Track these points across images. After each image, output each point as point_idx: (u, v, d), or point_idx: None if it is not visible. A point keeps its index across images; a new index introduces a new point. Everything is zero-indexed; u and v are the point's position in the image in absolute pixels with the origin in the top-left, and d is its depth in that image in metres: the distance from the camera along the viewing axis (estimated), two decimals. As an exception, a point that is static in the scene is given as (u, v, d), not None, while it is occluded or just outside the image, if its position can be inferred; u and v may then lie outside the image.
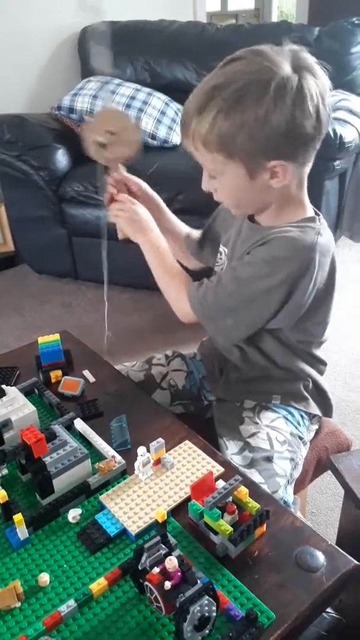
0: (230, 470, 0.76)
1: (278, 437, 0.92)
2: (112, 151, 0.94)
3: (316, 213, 0.89)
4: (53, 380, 0.97)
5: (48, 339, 0.99)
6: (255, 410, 0.97)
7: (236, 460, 0.87)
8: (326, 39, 2.30)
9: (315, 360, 0.99)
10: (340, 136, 1.82)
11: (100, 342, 1.16)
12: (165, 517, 0.61)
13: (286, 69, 0.75)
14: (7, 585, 0.60)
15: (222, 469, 0.76)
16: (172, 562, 0.55)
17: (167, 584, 0.54)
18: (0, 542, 0.68)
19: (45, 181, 2.22)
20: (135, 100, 2.37)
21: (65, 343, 1.01)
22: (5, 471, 0.76)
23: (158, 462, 0.75)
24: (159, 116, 2.37)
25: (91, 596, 0.59)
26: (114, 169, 0.98)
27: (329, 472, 0.96)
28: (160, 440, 0.75)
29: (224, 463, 0.78)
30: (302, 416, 0.99)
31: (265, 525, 0.66)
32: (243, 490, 0.67)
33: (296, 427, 0.97)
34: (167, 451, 0.77)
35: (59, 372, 0.97)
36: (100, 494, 0.72)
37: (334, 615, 0.84)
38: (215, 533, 0.65)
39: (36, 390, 0.94)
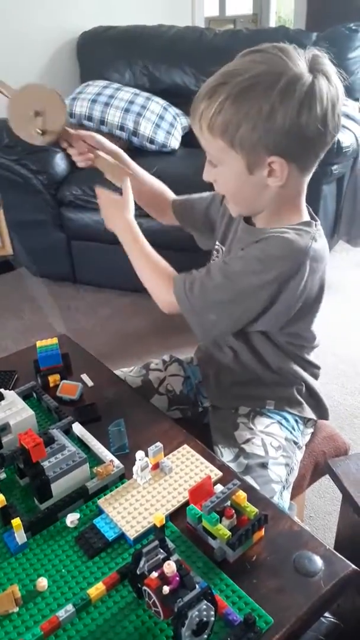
0: (228, 475, 0.76)
1: (272, 442, 0.92)
2: (48, 130, 0.93)
3: (314, 219, 0.89)
4: (51, 384, 0.97)
5: (46, 342, 0.99)
6: (249, 416, 0.97)
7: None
8: (324, 45, 2.31)
9: (308, 364, 0.99)
10: (338, 141, 1.83)
11: (99, 345, 1.16)
12: (164, 522, 0.61)
13: (302, 67, 0.76)
14: (5, 590, 0.60)
15: (220, 473, 0.76)
16: (170, 567, 0.55)
17: (166, 589, 0.54)
18: (-2, 546, 0.68)
19: (44, 185, 2.22)
20: (134, 104, 2.37)
21: (63, 347, 1.01)
22: (3, 475, 0.76)
23: (156, 466, 0.75)
24: (157, 120, 2.38)
25: (89, 601, 0.59)
26: (61, 141, 0.98)
27: (327, 476, 0.96)
28: (159, 444, 0.75)
29: (222, 467, 0.78)
30: (296, 420, 0.99)
31: (263, 529, 0.66)
32: (241, 495, 0.67)
33: (291, 432, 0.97)
34: (165, 455, 0.77)
35: (57, 376, 0.97)
36: (99, 498, 0.72)
37: (332, 619, 0.84)
38: (214, 537, 0.65)
39: (34, 394, 0.94)
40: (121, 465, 0.76)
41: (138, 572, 0.57)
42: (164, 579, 0.55)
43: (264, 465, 0.88)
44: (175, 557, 0.58)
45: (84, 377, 0.99)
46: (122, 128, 2.36)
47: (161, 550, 0.59)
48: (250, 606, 0.59)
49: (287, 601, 0.60)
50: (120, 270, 2.29)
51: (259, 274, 0.81)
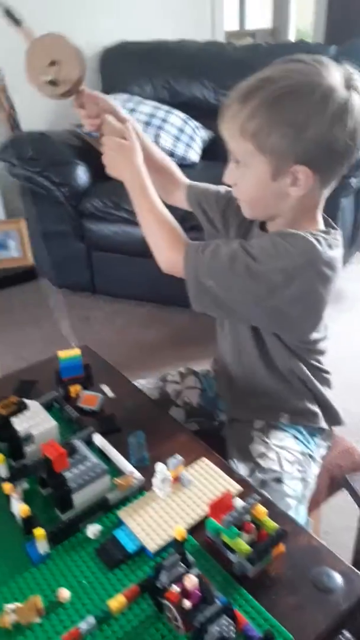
0: (247, 489, 0.76)
1: (288, 457, 0.92)
2: (60, 81, 0.90)
3: (333, 228, 0.89)
4: (72, 395, 0.98)
5: (69, 353, 1.00)
6: (264, 429, 0.97)
7: None
8: (343, 58, 2.32)
9: (317, 370, 0.98)
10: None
11: (116, 355, 1.16)
12: (185, 536, 0.61)
13: (337, 81, 0.77)
14: (28, 600, 0.61)
15: (240, 488, 0.76)
16: (191, 581, 0.55)
17: (187, 603, 0.54)
18: (19, 556, 0.69)
19: (66, 197, 2.26)
20: (155, 117, 2.41)
21: (84, 357, 1.02)
22: (26, 485, 0.77)
23: (176, 479, 0.76)
24: (177, 133, 2.41)
25: (110, 613, 0.60)
26: (75, 97, 0.95)
27: (343, 490, 0.95)
28: (179, 457, 0.76)
29: (241, 481, 0.78)
30: (311, 434, 0.99)
31: (282, 545, 0.67)
32: (261, 509, 0.67)
33: (306, 446, 0.97)
34: (184, 468, 0.77)
35: (78, 387, 0.98)
36: (118, 510, 0.73)
37: (351, 637, 0.83)
38: (233, 551, 0.65)
39: (55, 404, 0.95)
40: (142, 478, 0.76)
41: (159, 586, 0.58)
42: (184, 593, 0.56)
43: (279, 480, 0.88)
44: (195, 571, 0.59)
45: (104, 387, 1.00)
46: (142, 141, 2.39)
47: (181, 564, 0.59)
48: (269, 622, 0.59)
49: (306, 618, 0.60)
50: (138, 280, 2.33)
51: (267, 259, 0.80)
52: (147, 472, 0.77)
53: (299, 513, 0.87)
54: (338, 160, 0.81)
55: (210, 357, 1.17)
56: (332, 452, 1.04)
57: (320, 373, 0.99)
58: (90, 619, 0.59)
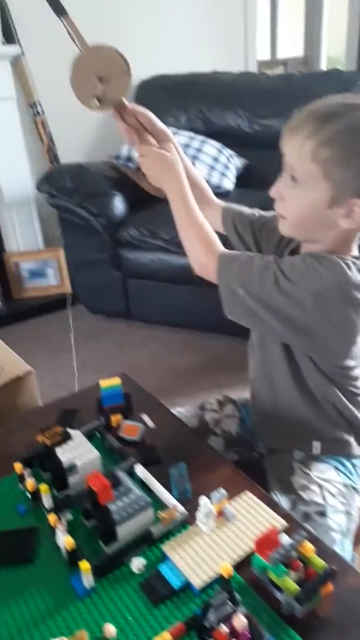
0: (292, 524, 0.75)
1: (331, 489, 0.90)
2: (107, 99, 0.90)
3: None
4: (113, 424, 0.98)
5: (110, 382, 1.01)
6: (305, 461, 0.95)
7: None
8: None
9: (354, 395, 0.95)
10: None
11: (151, 381, 1.15)
12: (231, 573, 0.60)
13: None
14: (75, 635, 0.61)
15: (285, 524, 0.75)
16: (240, 622, 0.54)
17: (235, 644, 0.53)
18: (65, 589, 0.69)
19: (103, 226, 2.31)
20: (190, 148, 2.45)
21: (124, 386, 1.03)
22: (70, 516, 0.78)
23: (219, 513, 0.75)
24: (212, 163, 2.44)
25: (156, 651, 0.59)
26: (117, 110, 0.94)
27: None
28: (222, 490, 0.75)
29: (286, 516, 0.77)
30: (353, 464, 0.96)
31: (331, 584, 0.65)
32: (308, 547, 0.66)
33: (349, 477, 0.94)
34: (227, 502, 0.77)
35: (119, 416, 0.99)
36: (162, 543, 0.73)
37: None
38: (280, 590, 0.64)
39: (97, 434, 0.96)
40: (185, 512, 0.76)
41: (206, 625, 0.57)
42: (233, 633, 0.55)
43: (322, 514, 0.86)
44: (243, 610, 0.58)
45: (145, 417, 1.00)
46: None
47: (229, 603, 0.58)
48: (320, 667, 0.57)
49: (358, 663, 0.58)
50: (173, 307, 2.35)
51: (297, 278, 0.81)
52: (190, 504, 0.77)
53: (344, 548, 0.85)
54: None
55: (245, 384, 1.17)
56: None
57: (356, 398, 0.97)
58: (137, 657, 0.58)
